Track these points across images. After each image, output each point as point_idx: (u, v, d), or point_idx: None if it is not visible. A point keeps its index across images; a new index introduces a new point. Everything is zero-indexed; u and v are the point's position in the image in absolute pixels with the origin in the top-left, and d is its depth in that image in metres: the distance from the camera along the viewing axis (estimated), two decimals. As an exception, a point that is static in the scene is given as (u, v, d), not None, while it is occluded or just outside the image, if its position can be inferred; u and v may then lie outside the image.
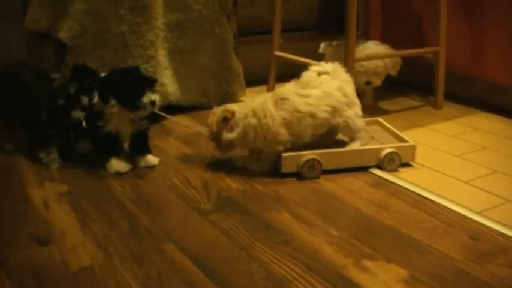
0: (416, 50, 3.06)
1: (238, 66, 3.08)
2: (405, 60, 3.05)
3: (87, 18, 2.67)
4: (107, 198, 2.06)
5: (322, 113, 2.18)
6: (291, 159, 2.19)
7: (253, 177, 2.20)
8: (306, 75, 2.26)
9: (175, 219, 1.91)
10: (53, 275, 1.60)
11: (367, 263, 1.64)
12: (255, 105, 2.19)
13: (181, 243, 1.74)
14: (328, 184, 2.16)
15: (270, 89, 3.14)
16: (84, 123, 2.31)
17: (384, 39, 3.33)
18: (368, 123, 2.56)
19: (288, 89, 2.21)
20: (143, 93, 2.13)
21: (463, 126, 2.80)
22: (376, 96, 3.17)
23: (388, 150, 2.27)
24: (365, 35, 3.21)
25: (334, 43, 3.19)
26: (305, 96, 2.18)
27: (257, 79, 3.28)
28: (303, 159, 2.18)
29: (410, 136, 2.41)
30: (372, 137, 2.48)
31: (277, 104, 2.16)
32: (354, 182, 2.18)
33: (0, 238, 1.80)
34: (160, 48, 2.78)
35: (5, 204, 2.04)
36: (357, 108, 2.27)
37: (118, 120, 2.20)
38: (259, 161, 2.27)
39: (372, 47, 2.95)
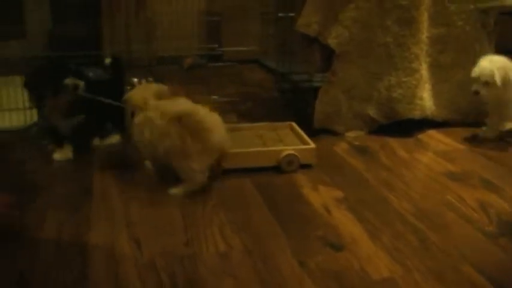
0: None
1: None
2: None
3: (356, 26, 2.72)
4: (386, 209, 2.10)
5: None
6: None
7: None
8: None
9: (463, 238, 1.91)
10: (356, 282, 1.65)
11: None
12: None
13: (476, 264, 1.74)
14: None
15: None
16: None
17: None
18: (281, 128, 2.72)
19: None
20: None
21: None
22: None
23: (287, 152, 2.36)
24: None
25: None
26: None
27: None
28: None
29: None
30: (280, 140, 2.59)
31: None
32: None
33: (291, 239, 1.88)
34: (423, 62, 2.79)
35: (284, 205, 2.13)
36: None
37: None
38: None
39: None
